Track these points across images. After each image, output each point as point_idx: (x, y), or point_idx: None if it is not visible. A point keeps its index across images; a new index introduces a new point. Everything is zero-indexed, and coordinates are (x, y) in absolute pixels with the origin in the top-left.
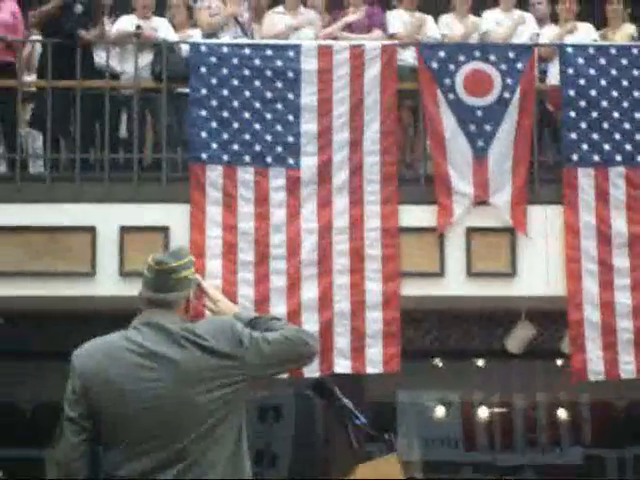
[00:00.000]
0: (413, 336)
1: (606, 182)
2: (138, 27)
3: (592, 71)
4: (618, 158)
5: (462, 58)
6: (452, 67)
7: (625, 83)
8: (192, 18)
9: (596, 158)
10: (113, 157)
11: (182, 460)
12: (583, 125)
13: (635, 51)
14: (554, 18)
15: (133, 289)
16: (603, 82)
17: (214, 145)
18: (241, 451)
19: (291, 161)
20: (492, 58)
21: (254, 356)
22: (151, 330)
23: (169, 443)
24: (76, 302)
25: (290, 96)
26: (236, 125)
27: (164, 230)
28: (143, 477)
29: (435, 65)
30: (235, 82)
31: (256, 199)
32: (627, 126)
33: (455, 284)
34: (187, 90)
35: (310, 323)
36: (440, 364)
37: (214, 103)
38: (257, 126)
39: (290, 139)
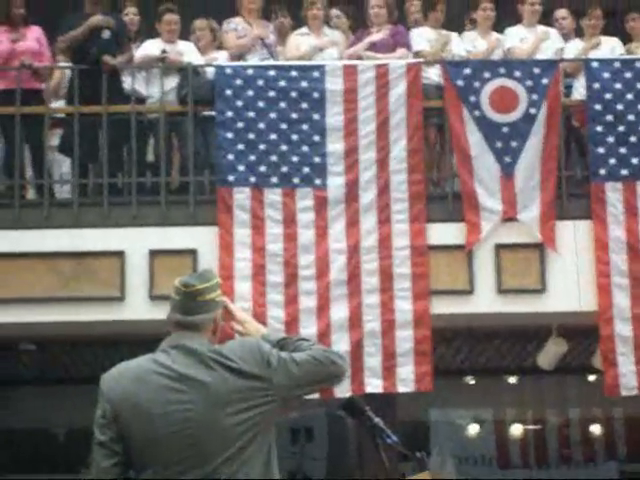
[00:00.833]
0: (444, 354)
1: (634, 196)
2: (163, 51)
3: (618, 85)
4: None
5: (487, 75)
6: (477, 84)
7: None
8: (216, 41)
9: (624, 172)
10: (140, 181)
11: None
12: (610, 139)
13: None
14: (579, 33)
15: (162, 313)
16: (629, 96)
17: (241, 167)
18: (270, 473)
19: (318, 181)
20: (517, 74)
21: (282, 377)
22: (179, 353)
23: (198, 466)
24: (106, 326)
25: (316, 117)
26: (262, 147)
27: (192, 253)
28: None
29: (460, 82)
30: (261, 104)
31: (284, 220)
32: None
33: (485, 301)
34: (213, 113)
35: (340, 343)
36: (472, 382)
37: (240, 125)
38: (283, 147)
39: (316, 159)
